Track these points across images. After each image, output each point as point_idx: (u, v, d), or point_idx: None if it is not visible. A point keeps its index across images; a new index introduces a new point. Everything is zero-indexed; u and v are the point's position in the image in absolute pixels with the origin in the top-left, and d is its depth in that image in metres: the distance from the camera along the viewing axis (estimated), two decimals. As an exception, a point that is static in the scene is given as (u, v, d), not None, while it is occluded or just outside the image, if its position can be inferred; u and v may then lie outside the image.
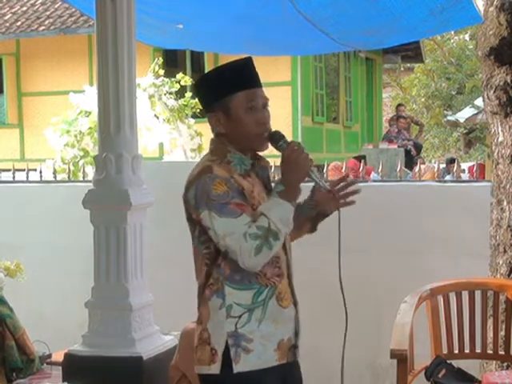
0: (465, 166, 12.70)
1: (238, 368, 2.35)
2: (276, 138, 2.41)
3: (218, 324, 2.38)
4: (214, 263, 2.39)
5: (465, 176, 10.19)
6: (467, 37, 23.13)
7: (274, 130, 2.44)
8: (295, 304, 2.50)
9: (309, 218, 2.60)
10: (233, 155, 2.42)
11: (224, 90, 2.41)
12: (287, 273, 2.46)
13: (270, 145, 2.44)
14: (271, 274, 2.39)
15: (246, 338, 2.36)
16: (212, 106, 2.46)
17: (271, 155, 2.75)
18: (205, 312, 2.43)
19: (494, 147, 3.90)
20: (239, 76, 2.42)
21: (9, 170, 6.03)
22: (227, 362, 2.35)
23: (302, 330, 2.54)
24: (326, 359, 4.68)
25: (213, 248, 2.37)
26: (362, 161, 5.64)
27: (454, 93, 23.56)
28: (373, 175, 9.18)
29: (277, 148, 2.40)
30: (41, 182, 5.77)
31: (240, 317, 2.36)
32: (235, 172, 2.38)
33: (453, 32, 23.26)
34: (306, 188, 2.46)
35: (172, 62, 14.00)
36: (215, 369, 2.38)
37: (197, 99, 2.60)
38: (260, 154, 2.51)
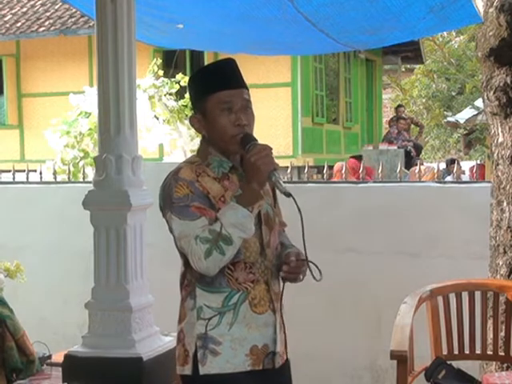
0: (466, 165, 12.70)
1: (204, 370, 2.35)
2: (245, 141, 2.36)
3: (190, 325, 2.39)
4: (187, 264, 2.39)
5: (465, 177, 10.19)
6: (469, 39, 23.13)
7: (247, 133, 2.39)
8: (274, 311, 2.45)
9: None
10: (213, 157, 2.42)
11: (201, 91, 2.42)
12: (265, 279, 2.43)
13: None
14: (244, 279, 2.37)
15: (214, 340, 2.35)
16: (194, 107, 2.48)
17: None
18: (182, 312, 2.45)
19: (493, 148, 3.90)
20: (215, 77, 2.41)
21: (9, 171, 6.03)
22: (196, 363, 2.36)
23: (286, 336, 2.51)
24: (321, 361, 4.68)
25: None
26: (362, 161, 5.64)
27: (454, 94, 23.56)
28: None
29: (245, 151, 2.35)
30: (41, 182, 5.77)
31: (210, 319, 2.36)
32: (207, 175, 2.37)
33: (454, 33, 23.29)
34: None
35: (171, 62, 14.01)
36: (188, 370, 2.39)
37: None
38: None
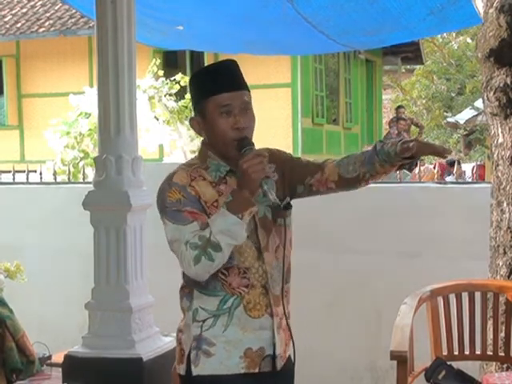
0: (467, 167, 12.71)
1: (196, 371, 2.35)
2: (242, 145, 2.32)
3: (187, 326, 2.40)
4: None
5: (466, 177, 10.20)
6: (469, 39, 23.16)
7: (245, 137, 2.34)
8: (272, 315, 2.41)
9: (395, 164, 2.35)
10: (211, 161, 2.39)
11: (200, 94, 2.38)
12: (262, 284, 2.39)
13: None
14: (237, 284, 2.35)
15: (208, 341, 2.34)
16: (193, 108, 2.45)
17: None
18: (181, 312, 2.46)
19: (493, 149, 3.90)
20: (214, 79, 2.36)
21: (9, 172, 6.03)
22: (190, 364, 2.37)
23: (292, 338, 2.48)
24: (321, 362, 4.69)
25: None
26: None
27: (454, 94, 23.59)
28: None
29: (241, 156, 2.29)
30: (41, 183, 5.77)
31: (204, 321, 2.35)
32: (203, 179, 2.35)
33: (454, 34, 23.31)
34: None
35: (171, 62, 14.02)
36: (182, 370, 2.40)
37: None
38: None
